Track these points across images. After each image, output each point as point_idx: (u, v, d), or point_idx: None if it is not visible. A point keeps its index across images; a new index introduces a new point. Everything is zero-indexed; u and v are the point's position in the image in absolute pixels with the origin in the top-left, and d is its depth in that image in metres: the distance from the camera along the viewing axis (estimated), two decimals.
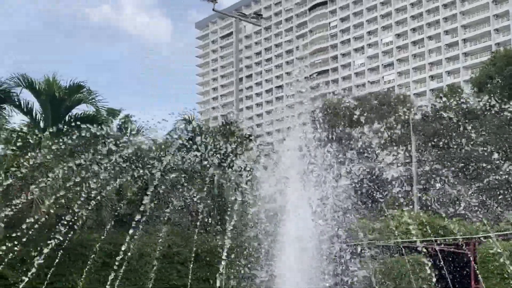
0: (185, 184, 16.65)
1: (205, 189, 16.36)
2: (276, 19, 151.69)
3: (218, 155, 14.17)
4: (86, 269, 14.71)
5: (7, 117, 18.07)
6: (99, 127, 14.95)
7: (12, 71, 17.61)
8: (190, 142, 18.55)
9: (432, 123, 41.62)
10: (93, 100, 18.69)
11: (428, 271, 13.73)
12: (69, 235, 15.21)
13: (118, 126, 24.96)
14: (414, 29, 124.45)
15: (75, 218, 15.35)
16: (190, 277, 15.85)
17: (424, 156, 40.28)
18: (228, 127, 20.64)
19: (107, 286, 14.96)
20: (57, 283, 15.81)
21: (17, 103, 18.21)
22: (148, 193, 13.25)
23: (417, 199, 31.34)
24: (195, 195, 16.02)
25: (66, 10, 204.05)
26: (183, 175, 16.91)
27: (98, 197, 13.92)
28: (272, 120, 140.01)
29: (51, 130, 16.24)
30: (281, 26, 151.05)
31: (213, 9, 30.83)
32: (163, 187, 16.10)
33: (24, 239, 14.87)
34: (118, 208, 15.69)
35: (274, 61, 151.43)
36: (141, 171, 15.72)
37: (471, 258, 17.26)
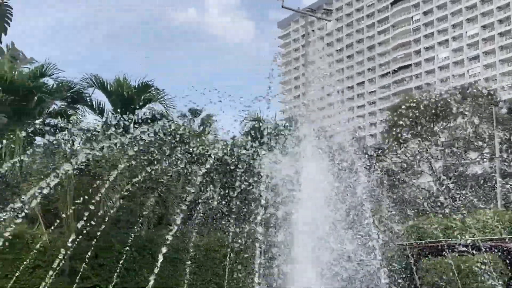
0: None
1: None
2: (358, 15, 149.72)
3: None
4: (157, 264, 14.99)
5: (80, 117, 18.72)
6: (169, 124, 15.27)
7: (86, 72, 18.13)
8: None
9: None
10: (162, 99, 19.10)
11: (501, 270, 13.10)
12: (137, 231, 15.65)
13: (198, 125, 25.47)
14: (500, 20, 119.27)
15: (144, 214, 15.77)
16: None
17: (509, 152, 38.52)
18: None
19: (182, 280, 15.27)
20: (128, 278, 16.21)
21: (90, 103, 18.87)
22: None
23: (501, 196, 29.95)
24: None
25: (155, 14, 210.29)
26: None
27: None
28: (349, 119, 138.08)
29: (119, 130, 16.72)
30: (363, 22, 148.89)
31: (282, 6, 30.78)
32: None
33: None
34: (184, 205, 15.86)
35: (355, 57, 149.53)
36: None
37: None
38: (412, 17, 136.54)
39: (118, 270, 14.97)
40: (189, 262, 15.52)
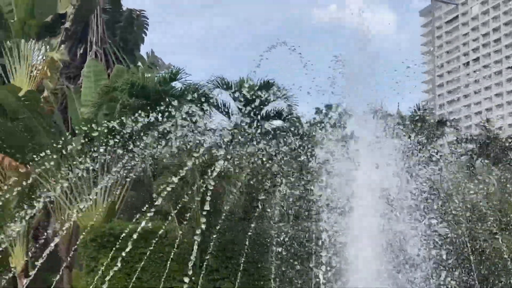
0: None
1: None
2: None
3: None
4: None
5: (208, 118, 19.61)
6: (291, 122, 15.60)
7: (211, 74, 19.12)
8: None
9: None
10: (284, 96, 19.48)
11: None
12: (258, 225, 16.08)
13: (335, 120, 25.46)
14: None
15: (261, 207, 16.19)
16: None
17: None
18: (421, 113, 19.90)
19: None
20: (251, 271, 16.66)
21: (216, 104, 19.74)
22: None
23: None
24: None
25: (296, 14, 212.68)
26: None
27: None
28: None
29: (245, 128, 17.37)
30: (510, 3, 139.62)
31: None
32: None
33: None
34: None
35: (503, 40, 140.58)
36: None
37: None
38: None
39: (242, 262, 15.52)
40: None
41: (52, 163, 18.37)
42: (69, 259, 20.59)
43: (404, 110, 21.18)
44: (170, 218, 17.35)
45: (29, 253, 24.69)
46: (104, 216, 18.59)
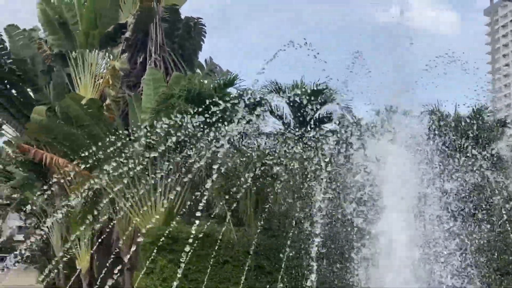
0: None
1: None
2: None
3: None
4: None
5: (261, 122, 19.90)
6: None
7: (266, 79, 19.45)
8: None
9: None
10: (336, 99, 19.54)
11: None
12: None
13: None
14: None
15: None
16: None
17: None
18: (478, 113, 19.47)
19: None
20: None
21: (270, 108, 20.01)
22: None
23: None
24: None
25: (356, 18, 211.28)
26: None
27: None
28: None
29: (298, 133, 17.60)
30: None
31: None
32: None
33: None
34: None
35: None
36: None
37: None
38: None
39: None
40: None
41: (112, 167, 19.18)
42: (130, 260, 21.37)
43: (465, 111, 20.81)
44: (226, 221, 17.75)
45: (94, 255, 25.75)
46: (163, 219, 19.16)
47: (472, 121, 19.45)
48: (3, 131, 32.64)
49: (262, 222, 16.03)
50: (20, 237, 65.14)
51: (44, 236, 26.95)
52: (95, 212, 18.67)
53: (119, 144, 16.82)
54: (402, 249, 8.80)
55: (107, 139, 18.60)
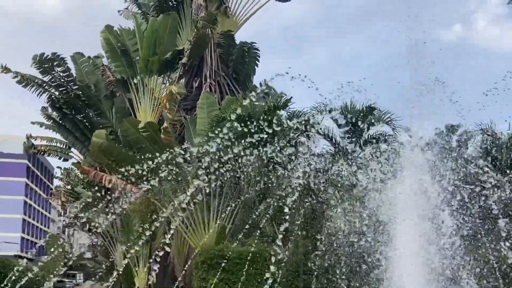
0: None
1: None
2: None
3: None
4: None
5: (313, 143, 20.15)
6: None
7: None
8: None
9: None
10: (388, 119, 19.58)
11: None
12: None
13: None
14: None
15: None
16: None
17: None
18: None
19: None
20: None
21: (320, 129, 20.18)
22: None
23: None
24: None
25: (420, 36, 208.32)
26: None
27: None
28: None
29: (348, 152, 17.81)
30: None
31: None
32: None
33: None
34: None
35: None
36: None
37: None
38: None
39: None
40: None
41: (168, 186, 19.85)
42: (184, 279, 21.94)
43: None
44: (276, 241, 18.00)
45: (152, 273, 26.47)
46: (215, 239, 19.60)
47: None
48: (71, 153, 34.28)
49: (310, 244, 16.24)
50: (89, 255, 67.43)
51: (110, 255, 28.00)
52: (152, 229, 19.28)
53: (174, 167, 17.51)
54: None
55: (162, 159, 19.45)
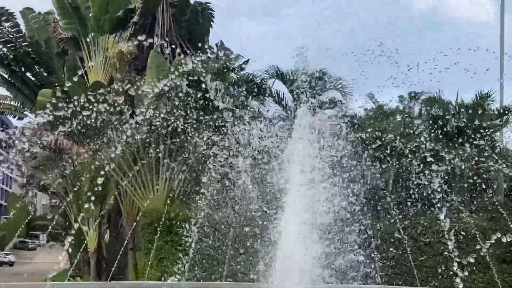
0: None
1: None
2: None
3: None
4: None
5: (263, 107, 20.08)
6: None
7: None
8: None
9: None
10: (339, 86, 19.62)
11: None
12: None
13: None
14: None
15: None
16: None
17: None
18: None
19: None
20: None
21: (270, 93, 20.08)
22: None
23: None
24: None
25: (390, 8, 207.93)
26: None
27: None
28: None
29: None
30: None
31: None
32: None
33: None
34: None
35: None
36: None
37: None
38: None
39: None
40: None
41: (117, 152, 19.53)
42: (133, 241, 21.90)
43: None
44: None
45: (103, 236, 26.37)
46: (163, 201, 19.48)
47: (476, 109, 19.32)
48: (27, 112, 33.15)
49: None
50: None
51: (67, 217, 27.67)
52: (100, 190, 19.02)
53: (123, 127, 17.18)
54: None
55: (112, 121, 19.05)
